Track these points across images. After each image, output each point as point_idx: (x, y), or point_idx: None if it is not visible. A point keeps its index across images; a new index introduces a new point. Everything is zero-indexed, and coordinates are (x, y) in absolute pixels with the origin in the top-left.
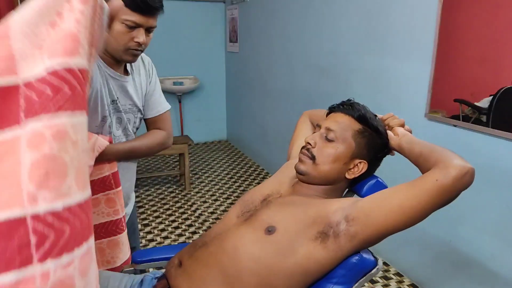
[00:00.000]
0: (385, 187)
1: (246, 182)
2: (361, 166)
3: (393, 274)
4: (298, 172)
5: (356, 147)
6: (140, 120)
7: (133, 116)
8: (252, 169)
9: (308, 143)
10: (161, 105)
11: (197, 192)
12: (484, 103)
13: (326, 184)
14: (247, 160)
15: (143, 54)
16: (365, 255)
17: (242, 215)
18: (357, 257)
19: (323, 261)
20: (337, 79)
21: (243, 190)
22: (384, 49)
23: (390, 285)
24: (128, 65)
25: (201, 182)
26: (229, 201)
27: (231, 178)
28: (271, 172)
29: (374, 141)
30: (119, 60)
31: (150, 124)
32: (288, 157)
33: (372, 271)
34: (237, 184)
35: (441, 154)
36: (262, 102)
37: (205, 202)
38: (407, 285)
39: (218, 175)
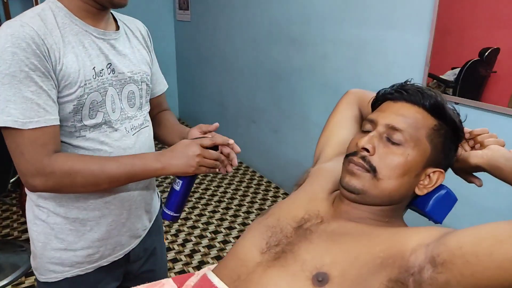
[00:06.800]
0: (456, 199)
1: None
2: (436, 177)
3: None
4: (350, 190)
5: (431, 151)
6: (148, 94)
7: (136, 87)
8: None
9: (364, 148)
10: (163, 80)
11: None
12: (449, 76)
13: (388, 205)
14: None
15: (133, 19)
16: None
17: (268, 249)
18: None
19: None
20: (311, 51)
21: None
22: (367, 16)
23: None
24: (121, 23)
25: None
26: None
27: None
28: None
29: (452, 141)
30: (107, 5)
31: (155, 103)
32: (318, 155)
33: None
34: None
35: None
36: (221, 77)
37: (158, 185)
38: None
39: None
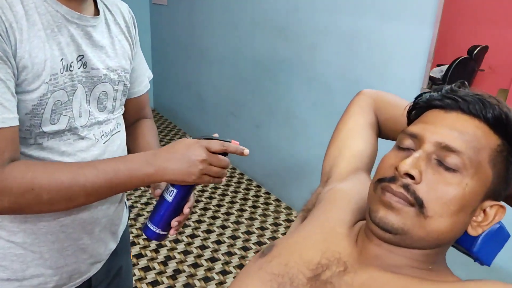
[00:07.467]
0: (509, 236)
1: None
2: (494, 213)
3: None
4: (385, 228)
5: (493, 180)
6: (124, 96)
7: (111, 87)
8: None
9: (408, 174)
10: (146, 79)
11: None
12: (435, 73)
13: (433, 248)
14: (181, 133)
15: (117, 0)
16: None
17: None
18: None
19: None
20: (299, 41)
21: None
22: (363, 4)
23: None
24: (102, 5)
25: None
26: None
27: None
28: None
29: None
30: None
31: (133, 106)
32: (328, 170)
33: None
34: None
35: None
36: (199, 67)
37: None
38: None
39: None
